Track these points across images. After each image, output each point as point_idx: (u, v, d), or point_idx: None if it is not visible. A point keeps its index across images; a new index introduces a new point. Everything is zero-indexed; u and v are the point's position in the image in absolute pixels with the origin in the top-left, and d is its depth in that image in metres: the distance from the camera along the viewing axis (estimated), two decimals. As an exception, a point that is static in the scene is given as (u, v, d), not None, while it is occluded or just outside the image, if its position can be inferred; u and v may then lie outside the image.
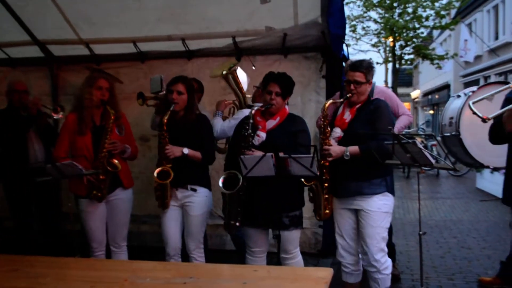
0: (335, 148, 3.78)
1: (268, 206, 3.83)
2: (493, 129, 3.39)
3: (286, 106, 4.06)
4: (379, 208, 3.82)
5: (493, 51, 23.71)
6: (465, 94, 4.52)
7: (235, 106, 5.09)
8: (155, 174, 4.06)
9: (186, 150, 4.08)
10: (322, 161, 3.83)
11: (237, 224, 3.91)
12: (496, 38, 24.66)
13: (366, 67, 3.87)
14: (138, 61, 6.09)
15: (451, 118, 4.48)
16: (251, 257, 4.10)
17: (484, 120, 2.99)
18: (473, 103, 3.11)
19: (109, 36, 5.74)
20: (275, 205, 3.82)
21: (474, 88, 4.47)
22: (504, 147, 3.72)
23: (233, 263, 3.58)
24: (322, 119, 3.91)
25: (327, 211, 3.98)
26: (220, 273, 2.99)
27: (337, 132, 3.90)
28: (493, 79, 23.84)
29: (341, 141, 3.86)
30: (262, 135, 3.89)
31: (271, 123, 3.96)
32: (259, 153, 3.66)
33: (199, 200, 4.21)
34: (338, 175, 3.86)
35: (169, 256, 4.28)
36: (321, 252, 5.77)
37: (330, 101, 4.01)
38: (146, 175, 5.53)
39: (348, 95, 3.87)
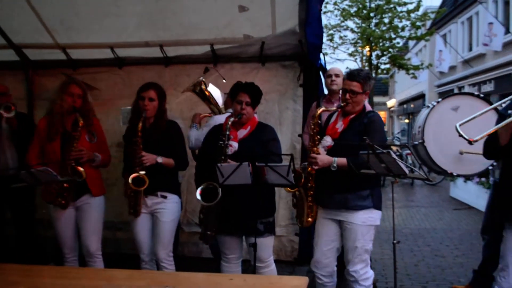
0: (323, 158, 3.73)
1: (243, 213, 3.83)
2: (488, 144, 3.39)
3: (255, 115, 4.09)
4: (364, 221, 3.79)
5: (467, 62, 24.16)
6: (432, 104, 4.63)
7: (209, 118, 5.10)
8: (129, 181, 4.02)
9: (160, 159, 4.08)
10: (309, 169, 3.82)
11: (213, 235, 3.91)
12: (470, 49, 25.14)
13: (363, 77, 3.80)
14: (115, 66, 6.04)
15: (419, 127, 4.58)
16: (226, 264, 4.09)
17: (470, 143, 3.01)
18: (460, 125, 3.15)
19: (87, 41, 5.69)
20: (250, 211, 3.80)
21: (440, 99, 4.60)
22: (472, 156, 3.78)
23: (210, 271, 3.58)
24: (313, 127, 3.87)
25: (309, 219, 3.96)
26: (196, 281, 2.99)
27: (328, 141, 3.86)
28: (466, 89, 24.28)
29: (330, 150, 3.82)
30: (235, 145, 3.89)
31: (242, 133, 3.97)
32: (235, 163, 3.64)
33: (169, 206, 4.21)
34: (324, 185, 3.83)
35: (144, 262, 4.27)
36: (297, 260, 5.78)
37: (322, 108, 3.98)
38: (123, 182, 5.48)
39: (342, 104, 3.83)
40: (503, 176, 3.45)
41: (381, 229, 8.36)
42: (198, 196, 3.80)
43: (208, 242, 4.14)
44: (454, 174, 4.55)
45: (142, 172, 4.02)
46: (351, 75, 3.83)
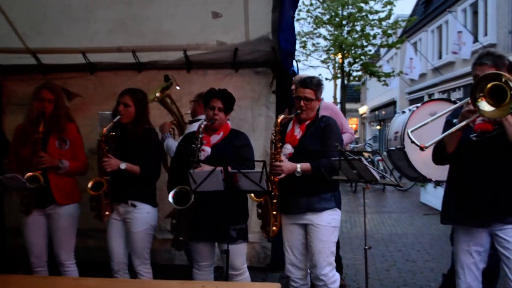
0: (287, 165, 3.80)
1: (215, 219, 3.83)
2: (435, 151, 3.51)
3: (228, 122, 4.11)
4: (329, 222, 3.87)
5: (437, 70, 24.61)
6: (410, 110, 4.66)
7: (174, 126, 5.08)
8: (89, 186, 3.98)
9: (123, 165, 4.02)
10: (272, 177, 3.86)
11: (186, 240, 3.89)
12: (440, 57, 25.62)
13: (316, 84, 3.92)
14: (87, 72, 5.97)
15: (396, 132, 4.60)
16: (198, 272, 4.08)
17: (421, 149, 3.10)
18: (412, 131, 3.23)
19: (58, 46, 5.62)
20: (222, 218, 3.80)
21: (419, 104, 4.62)
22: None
23: (183, 278, 3.56)
24: (274, 134, 3.93)
25: (274, 228, 3.99)
26: (168, 289, 2.97)
27: (288, 148, 3.93)
28: (436, 96, 24.69)
29: (292, 158, 3.89)
30: (208, 149, 3.91)
31: (215, 138, 3.99)
32: (208, 168, 3.65)
33: (139, 216, 4.13)
34: (288, 191, 3.88)
35: (114, 271, 4.20)
36: (269, 266, 5.79)
37: (283, 116, 4.05)
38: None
39: (298, 111, 3.91)
40: (449, 181, 3.56)
41: (353, 235, 8.47)
42: (171, 199, 3.78)
43: (180, 248, 4.11)
44: (433, 180, 4.60)
45: (105, 177, 3.98)
46: (304, 82, 3.93)
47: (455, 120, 3.36)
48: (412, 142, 3.19)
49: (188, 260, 5.21)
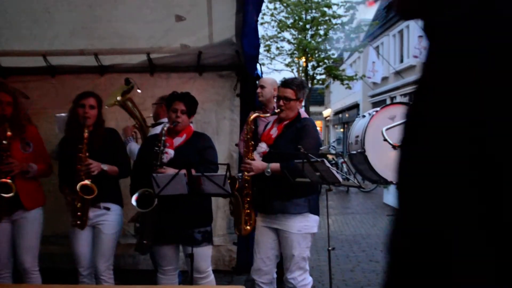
0: (257, 164, 3.80)
1: (180, 222, 3.81)
2: None
3: (191, 124, 4.11)
4: (299, 230, 3.85)
5: (398, 73, 25.05)
6: (370, 114, 4.71)
7: (136, 130, 5.05)
8: (78, 188, 3.85)
9: (105, 166, 3.99)
10: (245, 175, 3.87)
11: (149, 243, 3.87)
12: (401, 61, 26.11)
13: (297, 84, 3.92)
14: (48, 75, 5.87)
15: (357, 136, 4.64)
16: (163, 276, 4.05)
17: (394, 147, 3.14)
18: (386, 129, 3.27)
19: (18, 49, 5.50)
20: (187, 221, 3.79)
21: (378, 108, 4.68)
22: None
23: (147, 283, 3.53)
24: (246, 132, 3.94)
25: (248, 226, 4.00)
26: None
27: (263, 147, 3.93)
28: (398, 99, 25.14)
29: (265, 156, 3.89)
30: (171, 152, 3.90)
31: (178, 140, 3.98)
32: (171, 171, 3.64)
33: (113, 218, 4.12)
34: (263, 192, 3.89)
35: (82, 276, 4.13)
36: (235, 269, 5.78)
37: (255, 114, 4.06)
38: (55, 193, 5.31)
39: (276, 111, 3.92)
40: None
41: (317, 237, 8.51)
42: (134, 202, 3.75)
43: (144, 252, 4.08)
44: (394, 182, 4.67)
45: (88, 181, 3.89)
46: (285, 82, 3.94)
47: None
48: (385, 140, 3.23)
49: (153, 264, 5.17)
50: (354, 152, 4.60)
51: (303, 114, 4.84)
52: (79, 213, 3.98)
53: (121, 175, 4.21)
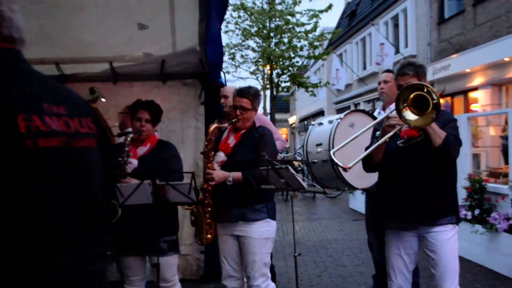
0: (218, 173, 3.80)
1: (145, 232, 3.76)
2: (364, 162, 3.62)
3: (156, 133, 4.08)
4: (260, 235, 3.87)
5: (361, 80, 25.48)
6: (331, 122, 4.59)
7: None
8: None
9: None
10: (205, 185, 3.87)
11: (114, 255, 3.81)
12: (364, 68, 26.60)
13: (252, 94, 3.95)
14: (7, 85, 5.73)
15: (319, 144, 4.57)
16: (129, 287, 4.01)
17: (345, 170, 3.22)
18: (333, 152, 3.33)
19: (-26, 59, 5.36)
20: (152, 230, 3.76)
21: (341, 115, 4.65)
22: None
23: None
24: (206, 143, 3.94)
25: (208, 235, 4.00)
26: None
27: (221, 156, 3.94)
28: (362, 106, 25.58)
29: (224, 166, 3.90)
30: (134, 162, 3.86)
31: (142, 150, 3.94)
32: (135, 181, 3.61)
33: None
34: (221, 201, 3.89)
35: None
36: (203, 278, 5.75)
37: (215, 125, 4.07)
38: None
39: (233, 120, 3.93)
40: (379, 187, 3.72)
41: (285, 243, 8.56)
42: None
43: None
44: (359, 188, 4.69)
45: None
46: (241, 92, 3.96)
47: (377, 133, 3.48)
48: (335, 163, 3.30)
49: (120, 275, 5.09)
50: (316, 160, 4.56)
51: (263, 122, 4.88)
52: None
53: None
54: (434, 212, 3.42)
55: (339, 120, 4.39)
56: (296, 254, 4.03)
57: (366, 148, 3.48)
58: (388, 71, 5.13)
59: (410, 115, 3.08)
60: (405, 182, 3.45)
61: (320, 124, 4.53)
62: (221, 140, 4.07)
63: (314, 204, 14.40)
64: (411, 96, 3.06)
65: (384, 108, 4.90)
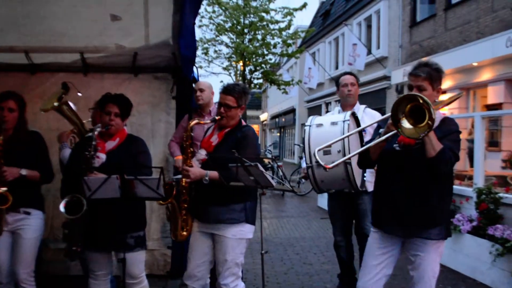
0: (195, 171, 3.74)
1: (112, 227, 3.71)
2: (362, 158, 3.56)
3: (125, 127, 4.03)
4: (234, 235, 3.84)
5: (333, 80, 25.60)
6: (334, 124, 4.09)
7: (74, 135, 4.90)
8: None
9: (24, 171, 3.84)
10: (182, 181, 3.82)
11: (79, 250, 3.76)
12: (337, 67, 26.78)
13: (238, 92, 3.85)
14: (-27, 72, 5.60)
15: (329, 146, 3.84)
16: (94, 281, 3.95)
17: (325, 169, 3.18)
18: (318, 150, 3.30)
19: None
20: (119, 225, 3.72)
21: (345, 115, 4.11)
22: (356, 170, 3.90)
23: (77, 289, 3.44)
24: (185, 139, 3.89)
25: (184, 232, 3.97)
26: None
27: (202, 154, 3.89)
28: (333, 105, 25.75)
29: (204, 164, 3.85)
30: (102, 156, 3.80)
31: (110, 144, 3.88)
32: (102, 175, 3.55)
33: (33, 223, 3.98)
34: (200, 199, 3.85)
35: (2, 285, 3.95)
36: (170, 273, 5.72)
37: (196, 121, 4.00)
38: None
39: (217, 118, 3.86)
40: (376, 186, 3.66)
41: (252, 240, 8.46)
42: (62, 209, 3.63)
43: (73, 258, 3.97)
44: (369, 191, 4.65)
45: (4, 189, 3.73)
46: (227, 89, 3.87)
47: (381, 130, 3.42)
48: (316, 161, 3.24)
49: (83, 270, 5.03)
50: (324, 163, 3.98)
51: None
52: None
53: (43, 180, 4.08)
54: (419, 222, 3.32)
55: (348, 122, 4.02)
56: (263, 252, 4.05)
57: (366, 144, 3.45)
58: (348, 73, 5.18)
59: (406, 124, 2.99)
60: (395, 186, 3.37)
61: (320, 125, 4.11)
62: (204, 138, 4.03)
63: (283, 202, 14.46)
64: (409, 106, 2.96)
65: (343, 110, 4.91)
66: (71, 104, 4.80)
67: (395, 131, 3.12)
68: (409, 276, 3.51)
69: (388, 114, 3.20)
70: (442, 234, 3.36)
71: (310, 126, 4.10)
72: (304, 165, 4.76)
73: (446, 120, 3.45)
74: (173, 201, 3.93)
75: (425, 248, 3.35)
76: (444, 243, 3.46)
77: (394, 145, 3.34)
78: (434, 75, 3.37)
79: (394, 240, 3.48)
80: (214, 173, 3.73)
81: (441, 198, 3.37)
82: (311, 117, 4.22)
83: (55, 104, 4.65)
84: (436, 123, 3.14)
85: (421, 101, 2.91)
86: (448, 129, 3.34)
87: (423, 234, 3.33)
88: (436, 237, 3.33)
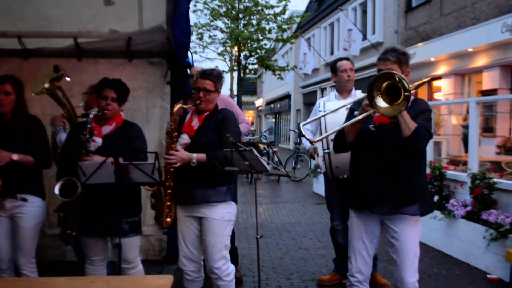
0: (182, 154, 3.77)
1: (107, 213, 3.73)
2: (336, 140, 3.65)
3: (121, 113, 4.02)
4: (222, 216, 3.88)
5: (329, 65, 25.53)
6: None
7: (64, 120, 4.85)
8: None
9: (15, 156, 3.79)
10: (168, 167, 3.83)
11: (74, 234, 3.76)
12: (332, 53, 26.71)
13: (216, 76, 3.92)
14: (-34, 58, 5.55)
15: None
16: (90, 267, 3.96)
17: (311, 143, 3.23)
18: (303, 125, 3.32)
19: None
20: (113, 211, 3.74)
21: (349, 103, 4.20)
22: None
23: (74, 275, 3.44)
24: (170, 123, 3.90)
25: (168, 219, 3.98)
26: (56, 286, 2.86)
27: (185, 138, 3.90)
28: (328, 90, 25.73)
29: (187, 148, 3.86)
30: (98, 140, 3.80)
31: (106, 129, 3.88)
32: (98, 159, 3.55)
33: (30, 210, 3.95)
34: (184, 183, 3.86)
35: (1, 271, 3.95)
36: (165, 258, 5.74)
37: (179, 105, 4.01)
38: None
39: (197, 102, 3.89)
40: (352, 168, 3.73)
41: (248, 225, 8.61)
42: (57, 191, 3.62)
43: (68, 242, 3.98)
44: None
45: None
46: (204, 74, 3.93)
47: (356, 113, 3.49)
48: (303, 136, 3.29)
49: (77, 256, 5.03)
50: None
51: (228, 103, 4.87)
52: None
53: (40, 166, 4.03)
54: (397, 199, 3.42)
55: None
56: (258, 236, 4.06)
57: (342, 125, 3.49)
58: (345, 59, 5.17)
59: (381, 102, 3.08)
60: (371, 166, 3.47)
61: (335, 111, 4.08)
62: (185, 122, 4.04)
63: (278, 187, 14.50)
64: (384, 84, 3.06)
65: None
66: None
67: (371, 111, 3.23)
68: (392, 258, 3.59)
69: (361, 96, 3.28)
70: (419, 210, 3.48)
71: (323, 111, 4.24)
72: (308, 146, 4.83)
73: (417, 101, 3.58)
74: (159, 187, 3.93)
75: (403, 225, 3.47)
76: (420, 220, 3.56)
77: (370, 126, 3.43)
78: (402, 58, 3.52)
79: (374, 222, 3.59)
80: (201, 156, 3.77)
81: (416, 175, 3.49)
82: (321, 101, 4.29)
83: (46, 86, 4.59)
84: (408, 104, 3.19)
85: (397, 78, 3.01)
86: (420, 108, 3.48)
87: (400, 211, 3.44)
88: (413, 212, 3.45)
